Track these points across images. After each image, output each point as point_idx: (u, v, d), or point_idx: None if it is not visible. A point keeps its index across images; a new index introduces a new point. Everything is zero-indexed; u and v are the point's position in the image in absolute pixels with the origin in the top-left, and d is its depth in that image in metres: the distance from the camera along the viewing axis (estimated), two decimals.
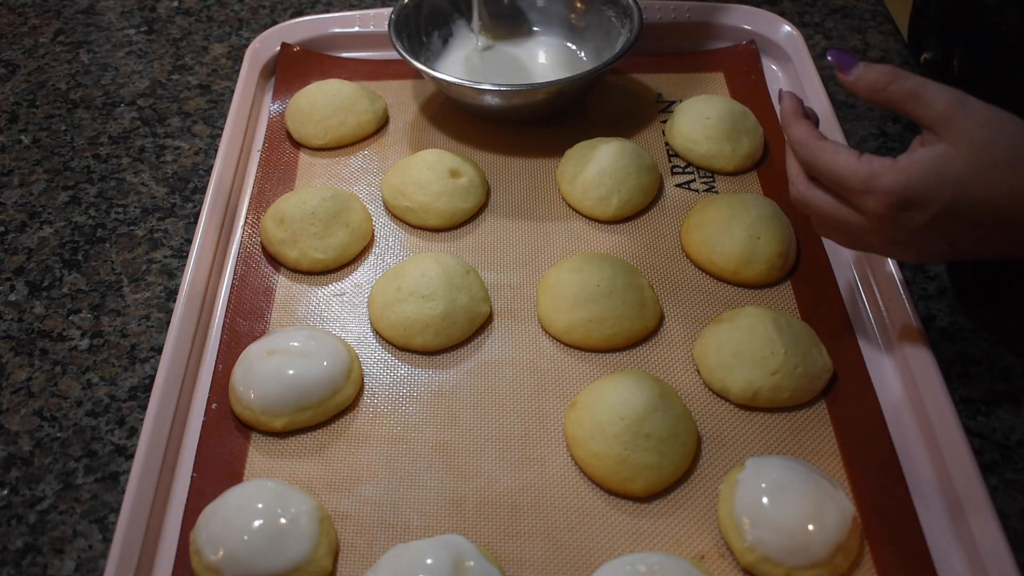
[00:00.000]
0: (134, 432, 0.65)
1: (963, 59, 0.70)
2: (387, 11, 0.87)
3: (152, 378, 0.67)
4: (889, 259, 0.69)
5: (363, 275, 0.73)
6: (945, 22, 0.73)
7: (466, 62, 0.89)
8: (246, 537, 0.54)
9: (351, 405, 0.64)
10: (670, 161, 0.82)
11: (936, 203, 0.52)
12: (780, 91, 0.63)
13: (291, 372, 0.62)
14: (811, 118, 0.60)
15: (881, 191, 0.52)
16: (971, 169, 0.51)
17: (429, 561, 0.52)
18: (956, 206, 0.51)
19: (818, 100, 0.83)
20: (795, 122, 0.59)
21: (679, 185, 0.80)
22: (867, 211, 0.54)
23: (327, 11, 1.03)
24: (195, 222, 0.76)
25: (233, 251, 0.75)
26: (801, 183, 0.59)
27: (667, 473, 0.59)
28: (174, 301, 0.70)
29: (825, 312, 0.68)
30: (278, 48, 0.91)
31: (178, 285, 0.71)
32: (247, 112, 0.86)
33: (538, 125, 0.84)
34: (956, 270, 0.73)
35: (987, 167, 0.50)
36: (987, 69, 0.70)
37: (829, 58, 0.57)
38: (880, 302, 0.68)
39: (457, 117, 0.86)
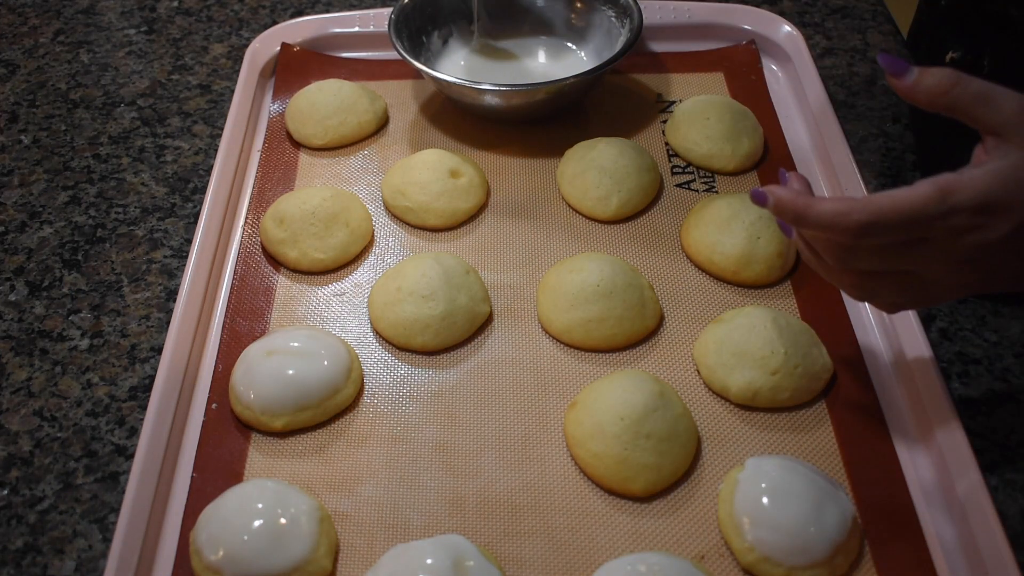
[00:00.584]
0: (134, 432, 0.65)
1: (994, 59, 0.68)
2: (387, 11, 0.87)
3: (152, 378, 0.67)
4: None
5: (363, 275, 0.73)
6: (967, 20, 0.72)
7: (466, 62, 0.89)
8: (246, 537, 0.54)
9: (351, 405, 0.64)
10: (670, 161, 0.82)
11: (1017, 211, 0.48)
12: (752, 193, 0.54)
13: (291, 372, 0.62)
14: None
15: (963, 206, 0.48)
16: None
17: (429, 561, 0.52)
18: None
19: (818, 100, 0.83)
20: (813, 202, 0.51)
21: (679, 185, 0.80)
22: (944, 233, 0.49)
23: (327, 11, 1.03)
24: (195, 222, 0.76)
25: (233, 251, 0.75)
26: (847, 266, 0.52)
27: (667, 473, 0.59)
28: (174, 301, 0.70)
29: (825, 312, 0.68)
30: (278, 48, 0.91)
31: (178, 285, 0.71)
32: (247, 112, 0.86)
33: (538, 125, 0.84)
34: None
35: None
36: (1018, 67, 0.69)
37: (880, 62, 0.52)
38: None
39: (457, 117, 0.86)
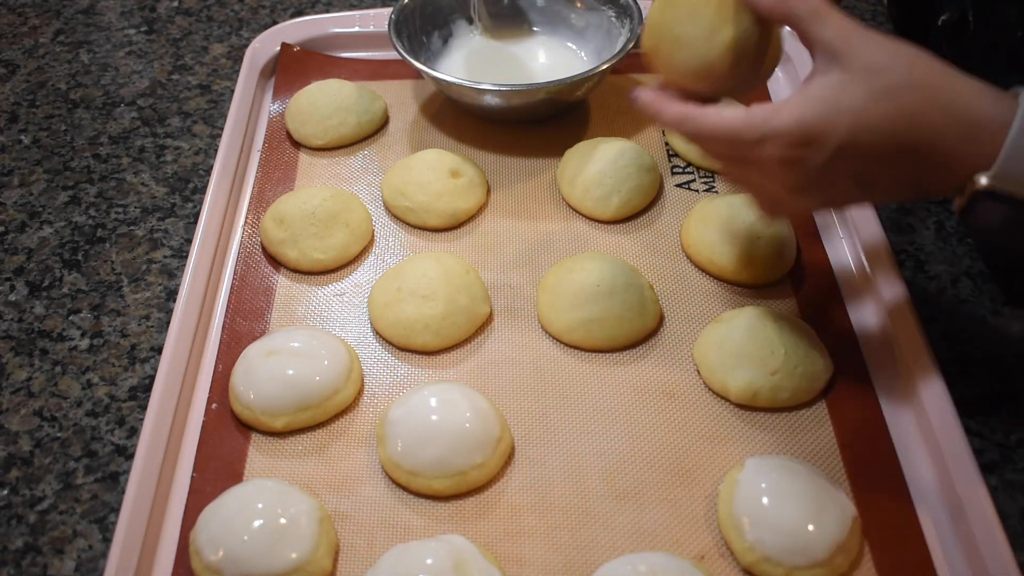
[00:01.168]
0: (134, 432, 0.65)
1: (977, 13, 0.69)
2: (387, 11, 0.87)
3: (152, 378, 0.67)
4: (889, 263, 0.69)
5: (363, 275, 0.73)
6: None
7: (466, 62, 0.89)
8: (246, 537, 0.54)
9: (351, 405, 0.64)
10: (670, 161, 0.82)
11: (835, 136, 0.50)
12: (629, 96, 0.59)
13: (291, 372, 0.62)
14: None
15: (777, 133, 0.50)
16: (866, 95, 0.49)
17: (429, 561, 0.52)
18: (855, 138, 0.50)
19: None
20: (665, 104, 0.56)
21: (679, 185, 0.80)
22: (767, 160, 0.52)
23: (327, 11, 1.03)
24: (195, 222, 0.76)
25: (233, 251, 0.75)
26: (704, 149, 0.57)
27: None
28: (174, 301, 0.70)
29: (825, 312, 0.68)
30: (278, 48, 0.91)
31: (178, 285, 0.71)
32: (247, 112, 0.86)
33: (538, 125, 0.84)
34: (957, 270, 0.73)
35: (882, 92, 0.49)
36: (999, 20, 0.69)
37: None
38: (880, 302, 0.68)
39: (457, 117, 0.86)
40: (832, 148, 0.50)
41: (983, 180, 0.49)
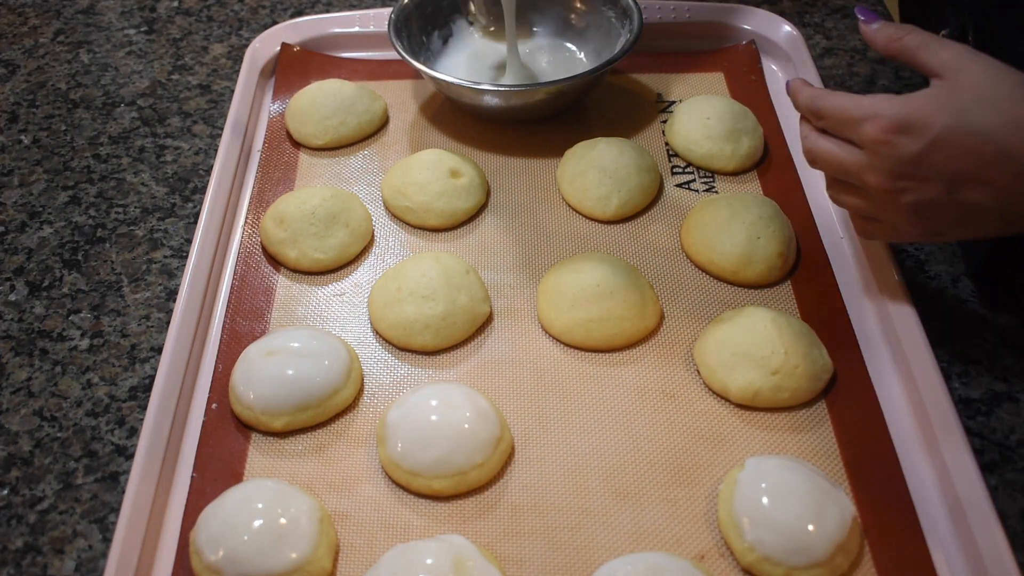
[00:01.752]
0: (134, 432, 0.65)
1: (977, 31, 0.71)
2: (387, 11, 0.87)
3: (152, 378, 0.67)
4: (889, 263, 0.69)
5: (363, 275, 0.73)
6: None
7: (466, 62, 0.89)
8: (246, 537, 0.54)
9: (351, 405, 0.64)
10: (670, 161, 0.82)
11: (933, 128, 0.52)
12: (787, 83, 0.65)
13: (291, 372, 0.62)
14: None
15: (879, 114, 0.54)
16: (972, 100, 0.52)
17: (429, 561, 0.52)
18: (953, 134, 0.52)
19: None
20: (804, 87, 0.62)
21: (679, 185, 0.80)
22: (866, 139, 0.55)
23: (327, 11, 1.03)
24: (195, 222, 0.76)
25: (233, 251, 0.75)
26: (812, 135, 0.61)
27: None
28: (174, 301, 0.70)
29: (825, 312, 0.68)
30: (278, 48, 0.91)
31: (178, 285, 0.71)
32: (247, 112, 0.86)
33: (538, 125, 0.84)
34: (957, 270, 0.73)
35: (987, 99, 0.52)
36: (1002, 39, 0.71)
37: (856, 14, 0.60)
38: (880, 303, 0.68)
39: (457, 117, 0.86)
40: (928, 139, 0.53)
41: None
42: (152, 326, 0.72)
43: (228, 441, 0.62)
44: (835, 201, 0.64)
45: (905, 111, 0.53)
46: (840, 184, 0.61)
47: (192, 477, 0.60)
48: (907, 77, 0.92)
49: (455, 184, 0.76)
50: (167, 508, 0.60)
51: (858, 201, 0.61)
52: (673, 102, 0.87)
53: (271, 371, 0.62)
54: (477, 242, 0.75)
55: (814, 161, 0.61)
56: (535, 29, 0.92)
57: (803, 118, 0.62)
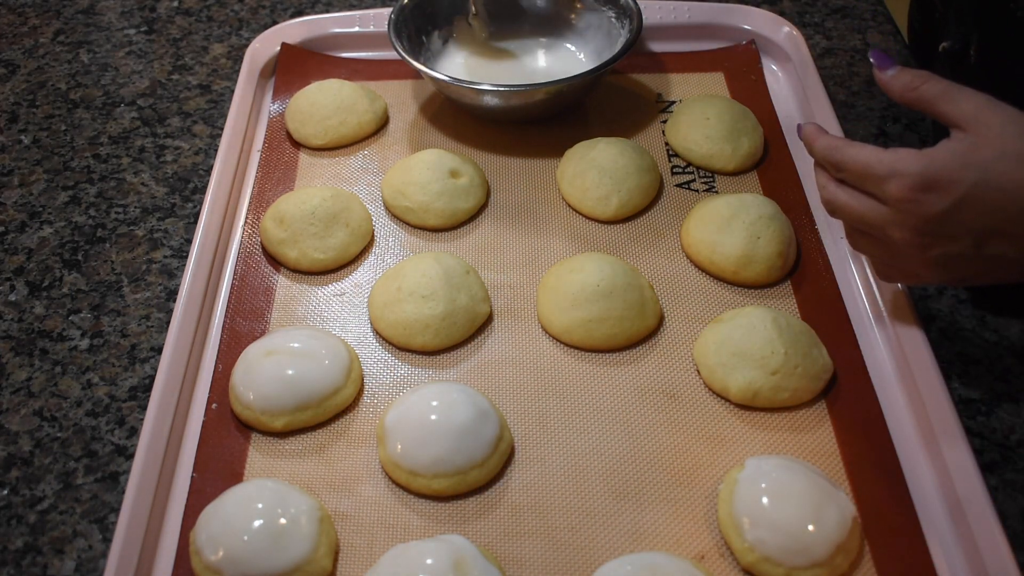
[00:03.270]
0: (134, 432, 0.65)
1: (980, 47, 0.70)
2: (387, 11, 0.87)
3: (152, 378, 0.67)
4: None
5: (363, 275, 0.73)
6: (960, 9, 0.73)
7: (466, 62, 0.89)
8: (246, 537, 0.54)
9: (351, 405, 0.64)
10: (670, 161, 0.82)
11: (959, 187, 0.52)
12: (798, 126, 0.63)
13: (291, 372, 0.62)
14: None
15: (904, 172, 0.53)
16: (997, 156, 0.51)
17: (429, 561, 0.52)
18: (979, 191, 0.51)
19: (818, 100, 0.83)
20: (820, 135, 0.60)
21: (679, 185, 0.80)
22: (890, 197, 0.54)
23: (327, 11, 1.03)
24: (195, 222, 0.76)
25: (233, 251, 0.75)
26: (831, 185, 0.60)
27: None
28: (174, 301, 0.70)
29: (825, 312, 0.68)
30: (278, 48, 0.91)
31: (178, 285, 0.71)
32: (247, 112, 0.86)
33: (538, 125, 0.84)
34: None
35: (1012, 155, 0.51)
36: (1005, 57, 0.71)
37: (870, 58, 0.59)
38: (880, 302, 0.68)
39: (457, 117, 0.86)
40: (954, 197, 0.52)
41: None
42: (152, 326, 0.72)
43: (228, 441, 0.62)
44: (855, 249, 0.63)
45: (931, 169, 0.52)
46: (861, 234, 0.60)
47: (192, 477, 0.60)
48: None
49: (455, 184, 0.76)
50: (167, 508, 0.60)
51: (881, 251, 0.60)
52: (673, 102, 0.87)
53: (271, 371, 0.62)
54: (477, 242, 0.75)
55: (834, 212, 0.60)
56: (535, 29, 0.91)
57: (818, 165, 0.61)
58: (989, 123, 0.52)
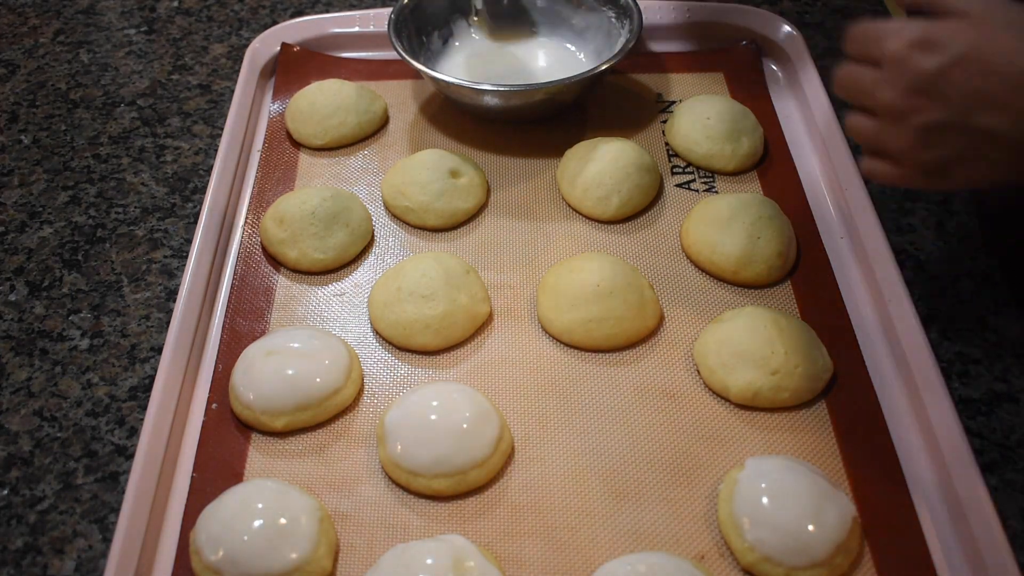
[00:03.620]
0: (134, 432, 0.65)
1: None
2: (387, 11, 0.87)
3: (152, 378, 0.67)
4: (889, 263, 0.69)
5: (363, 275, 0.73)
6: None
7: (466, 62, 0.89)
8: (246, 537, 0.54)
9: (351, 405, 0.64)
10: (670, 161, 0.82)
11: (956, 45, 0.51)
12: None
13: (291, 372, 0.62)
14: None
15: (904, 29, 0.52)
16: (999, 24, 0.50)
17: (429, 561, 0.52)
18: (976, 51, 0.50)
19: (818, 100, 0.83)
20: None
21: (679, 185, 0.80)
22: (887, 55, 0.53)
23: (327, 11, 1.03)
24: (195, 222, 0.76)
25: (233, 251, 0.75)
26: (844, 64, 0.58)
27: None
28: (174, 301, 0.70)
29: (825, 312, 0.68)
30: (278, 48, 0.91)
31: (178, 285, 0.71)
32: (247, 112, 0.86)
33: (538, 125, 0.84)
34: (957, 270, 0.73)
35: (1015, 23, 0.50)
36: None
37: None
38: (880, 303, 0.68)
39: (457, 117, 0.86)
40: (950, 55, 0.51)
41: None
42: (152, 326, 0.72)
43: (228, 441, 0.62)
44: (849, 129, 0.60)
45: (931, 28, 0.52)
46: (856, 112, 0.58)
47: (192, 477, 0.60)
48: None
49: (455, 184, 0.76)
50: (167, 508, 0.60)
51: (869, 124, 0.57)
52: (673, 102, 0.87)
53: (271, 371, 0.62)
54: (477, 242, 0.75)
55: (839, 85, 0.59)
56: (535, 29, 0.92)
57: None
58: (993, 6, 0.51)
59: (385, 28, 0.86)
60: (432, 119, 0.86)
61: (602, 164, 0.76)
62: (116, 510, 0.60)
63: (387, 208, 0.78)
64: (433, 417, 0.59)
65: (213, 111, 0.92)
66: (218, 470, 0.60)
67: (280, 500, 0.56)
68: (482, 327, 0.69)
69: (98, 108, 0.93)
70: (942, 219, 0.78)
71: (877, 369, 0.65)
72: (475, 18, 0.89)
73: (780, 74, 0.90)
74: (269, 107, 0.88)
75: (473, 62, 0.89)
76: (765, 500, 0.55)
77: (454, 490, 0.59)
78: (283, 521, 0.55)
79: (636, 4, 0.84)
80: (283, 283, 0.73)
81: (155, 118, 0.92)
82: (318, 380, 0.62)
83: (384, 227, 0.77)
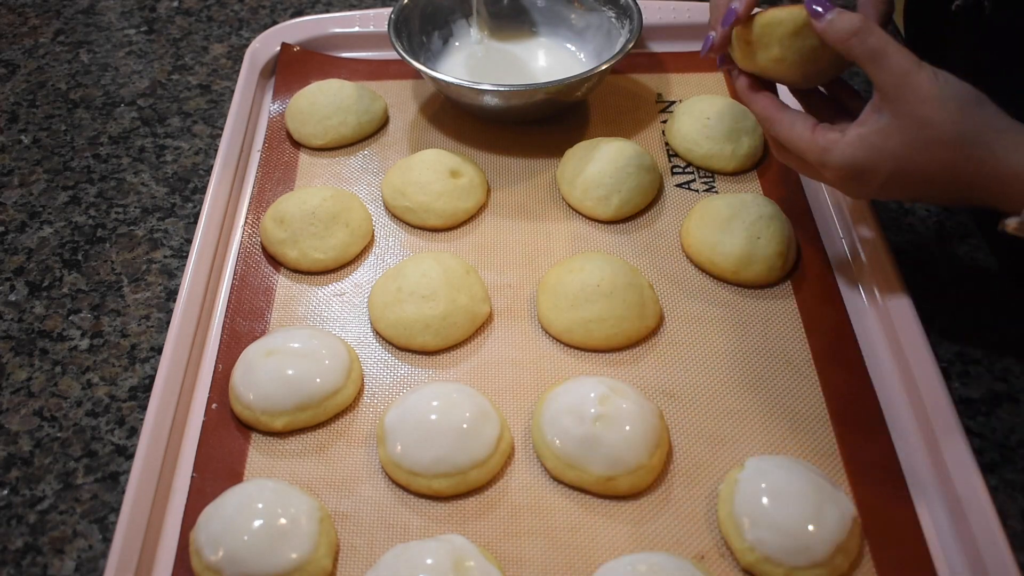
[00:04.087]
0: (134, 432, 0.65)
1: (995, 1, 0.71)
2: (387, 11, 0.87)
3: (152, 378, 0.67)
4: (889, 264, 0.69)
5: (363, 275, 0.73)
6: None
7: (466, 62, 0.89)
8: (246, 537, 0.54)
9: (351, 405, 0.64)
10: (670, 161, 0.82)
11: (880, 174, 0.57)
12: (729, 70, 0.67)
13: (291, 372, 0.62)
14: (768, 87, 0.65)
15: (833, 165, 0.58)
16: (907, 144, 0.55)
17: (429, 561, 0.52)
18: (898, 177, 0.57)
19: None
20: (753, 97, 0.64)
21: (679, 185, 0.80)
22: (826, 178, 0.61)
23: (327, 11, 1.03)
24: (195, 222, 0.76)
25: (233, 251, 0.75)
26: (776, 149, 0.65)
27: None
28: (174, 301, 0.70)
29: (825, 312, 0.68)
30: (278, 48, 0.91)
31: (178, 285, 0.71)
32: (247, 112, 0.86)
33: (538, 125, 0.84)
34: (957, 270, 0.73)
35: (923, 144, 0.54)
36: (1020, 5, 0.71)
37: (807, 5, 0.58)
38: (880, 302, 0.68)
39: (457, 117, 0.86)
40: (878, 183, 0.58)
41: (1012, 223, 0.53)
42: (152, 326, 0.72)
43: (228, 441, 0.62)
44: (779, 158, 0.66)
45: (854, 162, 0.57)
46: (785, 152, 0.64)
47: (192, 477, 0.60)
48: None
49: (455, 184, 0.76)
50: (167, 508, 0.60)
51: (806, 172, 0.64)
52: (673, 102, 0.87)
53: (271, 371, 0.62)
54: (477, 242, 0.75)
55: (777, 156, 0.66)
56: (535, 29, 0.92)
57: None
58: (906, 100, 0.54)
59: (385, 28, 0.86)
60: (432, 119, 0.86)
61: (602, 164, 0.76)
62: (116, 510, 0.60)
63: (387, 208, 0.78)
64: (433, 417, 0.59)
65: (213, 111, 0.92)
66: (218, 470, 0.60)
67: (280, 500, 0.56)
68: (482, 327, 0.69)
69: (98, 108, 0.93)
70: (942, 219, 0.78)
71: (877, 369, 0.65)
72: (473, 16, 0.89)
73: None
74: (269, 107, 0.88)
75: (473, 62, 0.89)
76: (765, 500, 0.55)
77: (454, 490, 0.59)
78: (283, 521, 0.55)
79: (636, 4, 0.84)
80: (283, 283, 0.73)
81: (155, 118, 0.92)
82: (318, 380, 0.62)
83: (384, 227, 0.77)
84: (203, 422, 0.63)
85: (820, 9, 0.57)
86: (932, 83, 0.54)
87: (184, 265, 0.72)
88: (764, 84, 0.65)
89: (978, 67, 0.64)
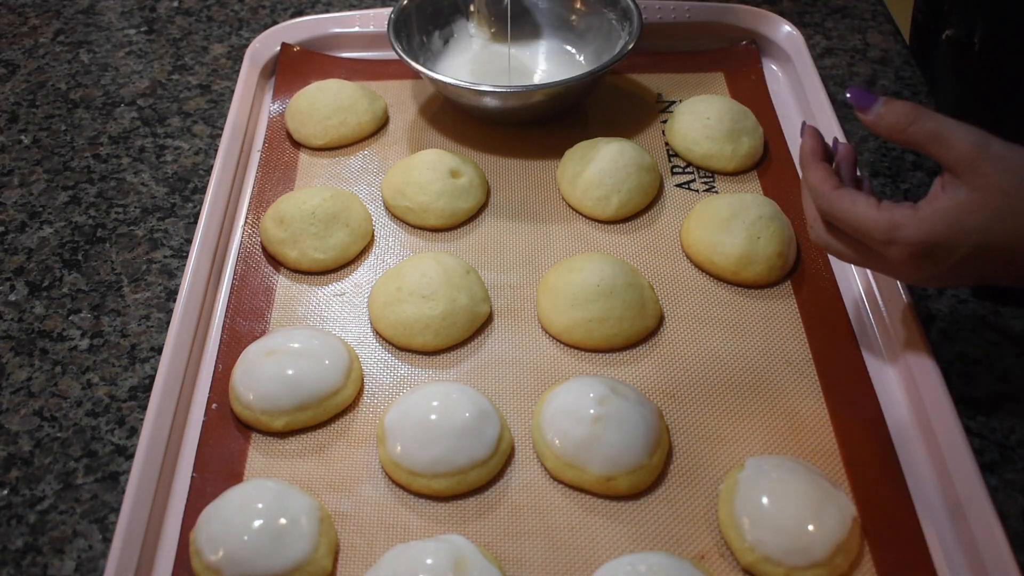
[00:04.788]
0: (134, 432, 0.65)
1: (984, 35, 0.70)
2: (387, 11, 0.87)
3: (152, 378, 0.67)
4: None
5: (363, 275, 0.73)
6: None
7: (466, 63, 0.89)
8: (246, 537, 0.54)
9: (351, 405, 0.64)
10: (670, 161, 0.82)
11: (959, 251, 0.52)
12: (803, 124, 0.62)
13: (291, 372, 0.62)
14: (830, 154, 0.60)
15: (905, 242, 0.52)
16: (993, 216, 0.51)
17: (429, 561, 0.52)
18: (979, 252, 0.52)
19: (818, 100, 0.83)
20: (812, 165, 0.58)
21: (679, 185, 0.80)
22: (891, 259, 0.54)
23: (327, 11, 1.03)
24: (195, 222, 0.76)
25: (233, 251, 0.75)
26: (820, 229, 0.59)
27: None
28: (174, 301, 0.70)
29: (825, 312, 0.68)
30: (278, 48, 0.91)
31: (178, 285, 0.71)
32: (247, 112, 0.86)
33: (538, 126, 0.84)
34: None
35: (1008, 214, 0.50)
36: (1009, 46, 0.70)
37: (848, 96, 0.56)
38: (880, 302, 0.68)
39: (457, 117, 0.86)
40: (955, 260, 0.52)
41: None
42: (152, 326, 0.72)
43: (228, 441, 0.62)
44: (819, 243, 0.60)
45: (932, 237, 0.52)
46: (834, 230, 0.58)
47: (192, 477, 0.60)
48: (907, 77, 0.92)
49: (455, 184, 0.76)
50: (167, 508, 0.60)
51: (853, 255, 0.58)
52: (673, 102, 0.87)
53: (271, 371, 0.62)
54: (477, 242, 0.75)
55: (827, 251, 0.60)
56: (535, 31, 0.91)
57: (806, 191, 0.59)
58: (984, 172, 0.51)
59: (385, 28, 0.86)
60: (432, 119, 0.86)
61: (602, 164, 0.76)
62: (116, 510, 0.60)
63: (387, 208, 0.78)
64: (433, 417, 0.59)
65: (213, 111, 0.92)
66: (218, 470, 0.60)
67: (280, 500, 0.56)
68: (482, 327, 0.69)
69: (98, 108, 0.93)
70: None
71: (877, 369, 0.65)
72: (473, 16, 0.89)
73: (780, 74, 0.90)
74: (269, 107, 0.88)
75: (473, 63, 0.89)
76: (765, 500, 0.55)
77: (454, 490, 0.59)
78: (283, 521, 0.55)
79: (636, 6, 0.84)
80: (283, 283, 0.73)
81: (155, 118, 0.92)
82: (318, 380, 0.62)
83: (384, 227, 0.77)
84: (203, 422, 0.63)
85: (864, 103, 0.54)
86: (1009, 150, 0.51)
87: (184, 265, 0.72)
88: (828, 155, 0.60)
89: (968, 98, 0.62)
